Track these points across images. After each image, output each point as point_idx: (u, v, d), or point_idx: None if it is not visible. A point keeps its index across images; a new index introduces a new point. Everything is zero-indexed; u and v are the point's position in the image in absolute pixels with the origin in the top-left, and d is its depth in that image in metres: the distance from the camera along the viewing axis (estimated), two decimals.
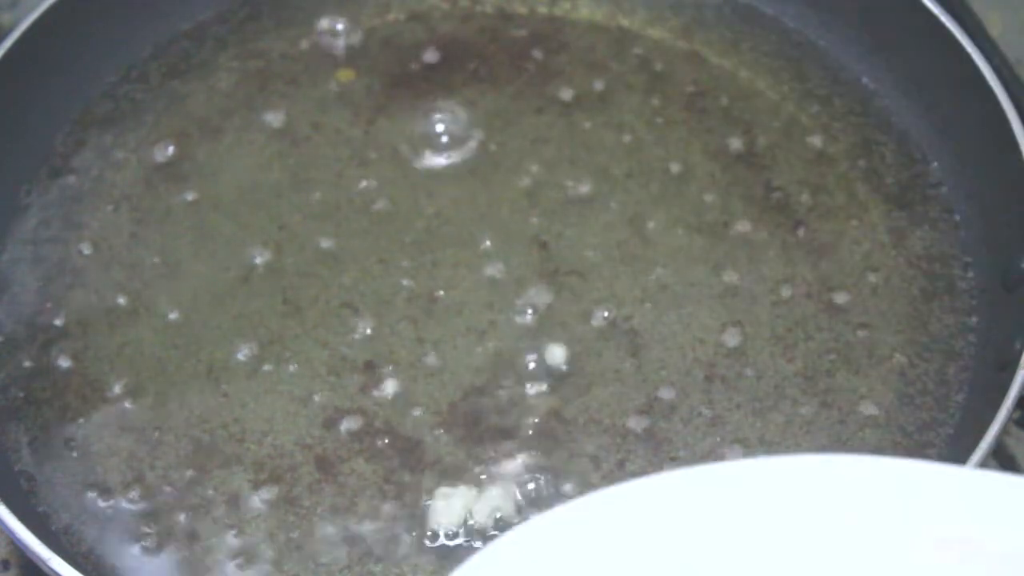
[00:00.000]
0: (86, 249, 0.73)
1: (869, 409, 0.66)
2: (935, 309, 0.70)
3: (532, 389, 0.67)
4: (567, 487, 0.64)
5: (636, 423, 0.66)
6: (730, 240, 0.72)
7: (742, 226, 0.73)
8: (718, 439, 0.65)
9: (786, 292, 0.70)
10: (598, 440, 0.66)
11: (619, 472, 0.64)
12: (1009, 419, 0.61)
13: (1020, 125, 0.68)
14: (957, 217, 0.73)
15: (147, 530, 0.64)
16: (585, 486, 0.64)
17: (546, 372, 0.67)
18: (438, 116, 0.77)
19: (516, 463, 0.65)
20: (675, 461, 0.65)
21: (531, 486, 0.64)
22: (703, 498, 0.44)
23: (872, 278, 0.71)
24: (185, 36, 0.82)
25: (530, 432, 0.65)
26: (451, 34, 0.81)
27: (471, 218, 0.73)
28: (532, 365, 0.67)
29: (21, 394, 0.68)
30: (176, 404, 0.67)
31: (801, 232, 0.72)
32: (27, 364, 0.69)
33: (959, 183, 0.74)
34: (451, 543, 0.63)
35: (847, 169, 0.75)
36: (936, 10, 0.73)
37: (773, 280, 0.71)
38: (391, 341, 0.69)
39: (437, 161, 0.76)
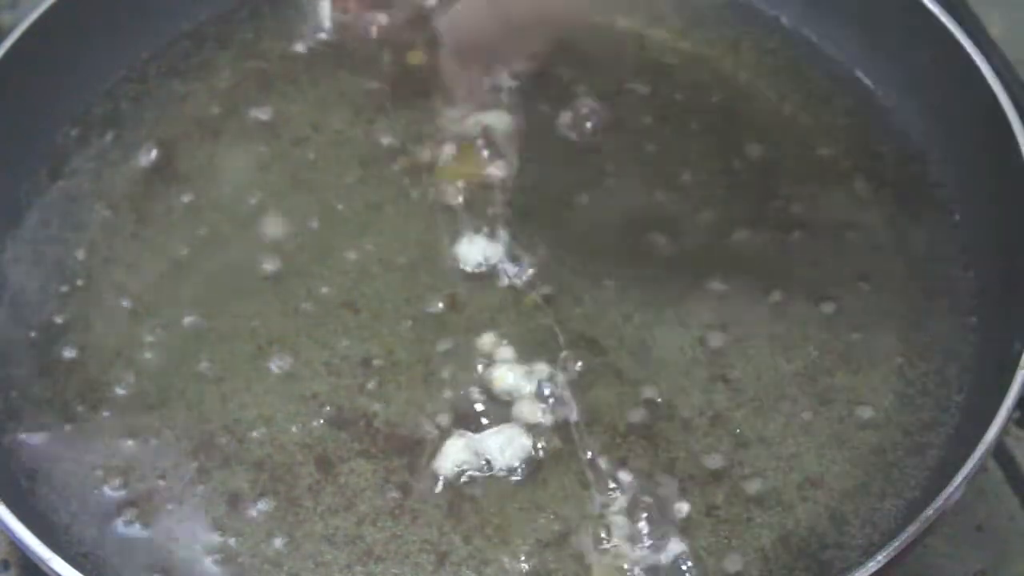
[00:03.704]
0: (86, 249, 0.73)
1: (869, 409, 0.66)
2: (935, 309, 0.70)
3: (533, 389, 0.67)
4: (569, 487, 0.64)
5: (636, 423, 0.66)
6: (730, 240, 0.72)
7: (742, 226, 0.73)
8: (718, 439, 0.65)
9: (786, 292, 0.70)
10: (599, 440, 0.65)
11: (621, 471, 0.64)
12: (1009, 419, 0.61)
13: (1020, 125, 0.68)
14: (957, 217, 0.73)
15: (147, 530, 0.64)
16: (586, 486, 0.64)
17: (547, 372, 0.67)
18: (438, 115, 0.77)
19: (517, 463, 0.65)
20: (675, 461, 0.65)
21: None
22: None
23: (872, 278, 0.71)
24: (185, 36, 0.82)
25: (533, 432, 0.65)
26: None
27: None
28: (536, 365, 0.67)
29: (21, 394, 0.68)
30: (176, 404, 0.67)
31: (801, 232, 0.72)
32: (27, 364, 0.69)
33: (959, 183, 0.74)
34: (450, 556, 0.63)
35: (847, 169, 0.75)
36: (936, 10, 0.73)
37: (773, 280, 0.71)
38: (391, 341, 0.69)
39: (437, 160, 0.76)
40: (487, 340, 0.68)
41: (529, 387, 0.66)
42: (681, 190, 0.74)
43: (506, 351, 0.68)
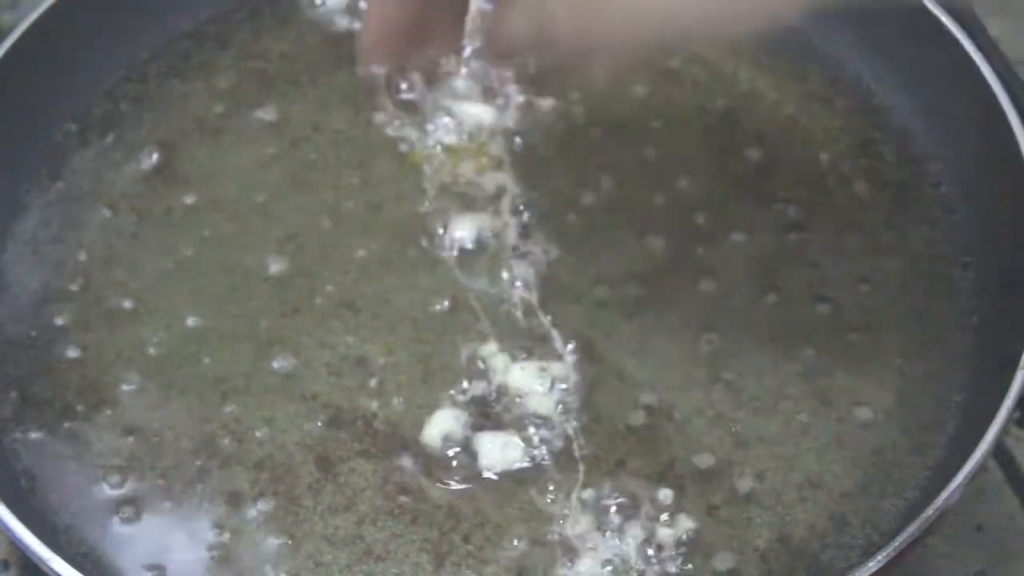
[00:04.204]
0: (86, 249, 0.73)
1: (869, 410, 0.66)
2: (935, 309, 0.70)
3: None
4: (568, 487, 0.64)
5: (635, 423, 0.66)
6: (729, 240, 0.72)
7: (740, 226, 0.73)
8: (717, 439, 0.65)
9: (785, 292, 0.70)
10: (599, 440, 0.65)
11: (620, 471, 0.64)
12: (1009, 419, 0.61)
13: (1020, 125, 0.68)
14: (957, 217, 0.73)
15: (147, 529, 0.64)
16: (585, 487, 0.64)
17: (547, 372, 0.67)
18: (439, 115, 0.77)
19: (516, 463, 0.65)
20: (674, 462, 0.65)
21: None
22: None
23: (872, 278, 0.71)
24: (185, 36, 0.82)
25: (532, 433, 0.65)
26: None
27: None
28: (534, 366, 0.67)
29: (21, 394, 0.68)
30: (176, 404, 0.67)
31: (801, 232, 0.72)
32: (27, 364, 0.69)
33: (959, 183, 0.74)
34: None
35: (847, 169, 0.75)
36: (936, 10, 0.73)
37: (772, 280, 0.71)
38: (391, 341, 0.69)
39: (438, 160, 0.76)
40: (488, 340, 0.68)
41: (530, 387, 0.66)
42: (680, 192, 0.74)
43: (507, 351, 0.68)
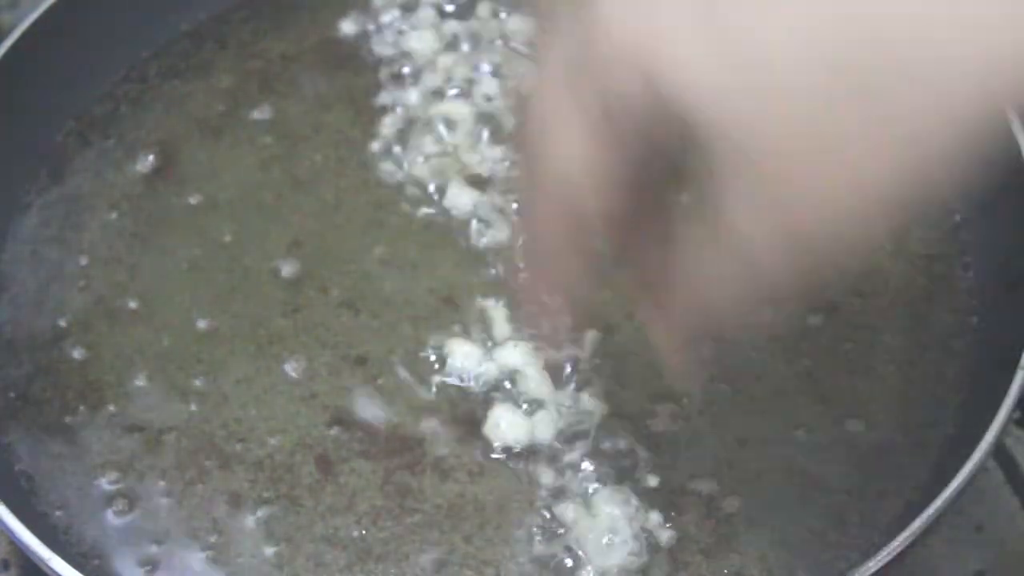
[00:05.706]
0: (86, 250, 0.73)
1: (869, 409, 0.66)
2: (935, 309, 0.70)
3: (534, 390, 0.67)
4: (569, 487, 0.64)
5: (637, 424, 0.66)
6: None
7: None
8: (718, 439, 0.65)
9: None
10: (599, 440, 0.65)
11: (619, 471, 0.64)
12: (1009, 419, 0.61)
13: (1020, 125, 0.68)
14: (957, 217, 0.73)
15: (146, 530, 0.64)
16: (585, 487, 0.64)
17: (549, 373, 0.67)
18: (439, 115, 0.77)
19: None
20: (675, 461, 0.65)
21: None
22: None
23: (871, 278, 0.71)
24: (185, 36, 0.82)
25: (532, 432, 0.66)
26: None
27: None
28: (535, 366, 0.67)
29: (21, 394, 0.68)
30: (176, 404, 0.67)
31: None
32: (27, 364, 0.69)
33: (959, 183, 0.74)
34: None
35: None
36: None
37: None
38: (392, 341, 0.69)
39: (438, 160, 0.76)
40: (489, 339, 0.68)
41: (532, 386, 0.66)
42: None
43: (509, 351, 0.68)
